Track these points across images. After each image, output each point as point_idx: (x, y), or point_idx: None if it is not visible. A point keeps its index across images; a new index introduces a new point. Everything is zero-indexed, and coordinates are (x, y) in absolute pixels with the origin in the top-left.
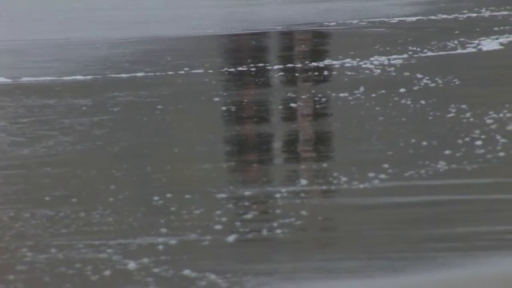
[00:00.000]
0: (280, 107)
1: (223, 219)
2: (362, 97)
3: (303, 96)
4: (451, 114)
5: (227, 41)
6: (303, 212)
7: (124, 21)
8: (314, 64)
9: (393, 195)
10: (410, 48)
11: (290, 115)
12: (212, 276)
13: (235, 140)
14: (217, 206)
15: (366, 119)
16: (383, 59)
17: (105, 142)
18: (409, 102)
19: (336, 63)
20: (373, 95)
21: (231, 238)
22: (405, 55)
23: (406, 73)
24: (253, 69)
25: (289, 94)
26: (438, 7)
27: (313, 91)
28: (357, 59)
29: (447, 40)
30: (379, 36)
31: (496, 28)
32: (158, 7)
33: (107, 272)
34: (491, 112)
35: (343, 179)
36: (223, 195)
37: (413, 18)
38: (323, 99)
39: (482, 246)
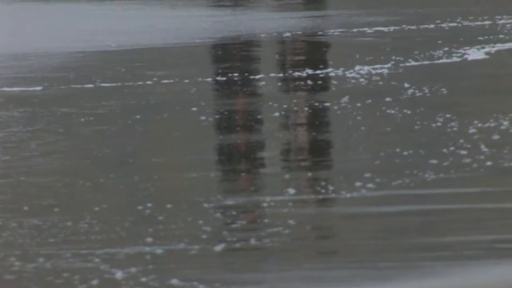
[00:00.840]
0: (267, 116)
1: (211, 228)
2: (349, 106)
3: (290, 106)
4: (438, 124)
5: (215, 50)
6: (291, 221)
7: (114, 31)
8: (302, 73)
9: (380, 204)
10: (396, 57)
11: (277, 125)
12: (200, 286)
13: (223, 149)
14: (204, 215)
15: (353, 128)
16: (369, 68)
17: (92, 152)
18: (396, 112)
19: (322, 72)
20: (360, 104)
21: (219, 247)
22: (391, 65)
23: (393, 83)
24: (240, 78)
25: (276, 104)
26: (423, 17)
27: (300, 101)
28: (343, 69)
29: (432, 50)
30: (365, 45)
31: (480, 38)
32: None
33: (94, 282)
34: (478, 122)
35: (331, 188)
36: (211, 204)
37: (399, 28)
38: (310, 109)
39: (470, 255)
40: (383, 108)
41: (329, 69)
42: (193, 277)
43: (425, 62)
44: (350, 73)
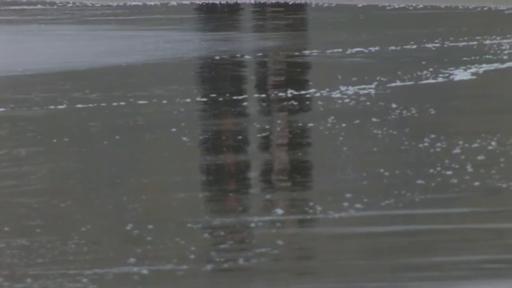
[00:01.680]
0: (254, 137)
1: (199, 249)
2: (337, 126)
3: (277, 126)
4: (426, 144)
5: (202, 70)
6: (279, 242)
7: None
8: (287, 94)
9: (368, 224)
10: (381, 78)
11: (264, 145)
12: None
13: (211, 170)
14: (192, 236)
15: (341, 148)
16: (355, 89)
17: (80, 172)
18: (383, 132)
19: (309, 92)
20: (348, 125)
21: (207, 267)
22: (376, 86)
23: (380, 103)
24: (225, 99)
25: (263, 124)
26: (407, 37)
27: (286, 121)
28: (328, 89)
29: (418, 70)
30: (350, 66)
31: (466, 58)
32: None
33: None
34: (465, 142)
35: (319, 208)
36: (199, 225)
37: (383, 48)
38: (298, 129)
39: (458, 276)
40: (371, 128)
41: (314, 90)
42: None
43: (411, 83)
44: (335, 93)
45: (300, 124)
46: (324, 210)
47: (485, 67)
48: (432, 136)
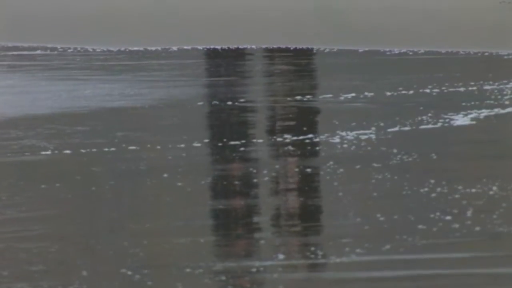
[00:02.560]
0: (256, 182)
1: None
2: (339, 171)
3: (278, 171)
4: (427, 189)
5: (203, 115)
6: (281, 287)
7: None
8: (287, 139)
9: (370, 269)
10: (382, 123)
11: (266, 190)
12: None
13: (211, 215)
14: (193, 281)
15: (342, 193)
16: (355, 134)
17: (82, 217)
18: (385, 177)
19: (312, 137)
20: (349, 170)
21: None
22: (376, 131)
23: (382, 148)
24: (226, 144)
25: (263, 169)
26: (408, 82)
27: (287, 166)
28: (327, 134)
29: (419, 115)
30: (352, 111)
31: (466, 103)
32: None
33: None
34: (466, 187)
35: (320, 253)
36: (200, 270)
37: (386, 93)
38: (299, 174)
39: None
40: (372, 173)
41: (313, 135)
42: None
43: (412, 128)
44: (335, 138)
45: (300, 169)
46: (325, 255)
47: (485, 112)
48: (433, 181)
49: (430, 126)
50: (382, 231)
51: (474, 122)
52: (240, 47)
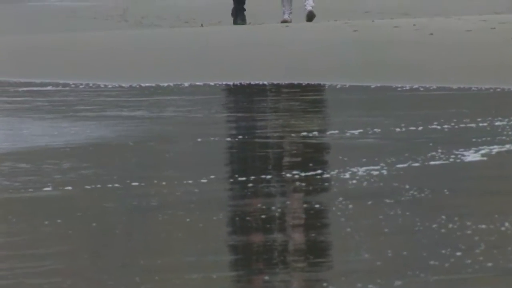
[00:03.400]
0: (265, 217)
1: None
2: (350, 207)
3: (288, 207)
4: (439, 225)
5: (211, 150)
6: None
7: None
8: (298, 174)
9: None
10: (393, 159)
11: (276, 226)
12: None
13: (223, 251)
14: None
15: (354, 229)
16: (366, 169)
17: (93, 252)
18: (396, 213)
19: (321, 173)
20: (361, 205)
21: None
22: (388, 166)
23: (394, 184)
24: (234, 179)
25: (274, 205)
26: (419, 118)
27: (298, 202)
28: (337, 170)
29: (429, 151)
30: (363, 146)
31: (475, 140)
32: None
33: None
34: (478, 223)
35: None
36: None
37: (397, 129)
38: (310, 210)
39: None
40: (384, 209)
41: (322, 171)
42: None
43: (423, 164)
44: (346, 174)
45: (311, 205)
46: None
47: (496, 148)
48: (444, 217)
49: (441, 162)
50: (394, 267)
51: (485, 158)
52: (251, 83)
